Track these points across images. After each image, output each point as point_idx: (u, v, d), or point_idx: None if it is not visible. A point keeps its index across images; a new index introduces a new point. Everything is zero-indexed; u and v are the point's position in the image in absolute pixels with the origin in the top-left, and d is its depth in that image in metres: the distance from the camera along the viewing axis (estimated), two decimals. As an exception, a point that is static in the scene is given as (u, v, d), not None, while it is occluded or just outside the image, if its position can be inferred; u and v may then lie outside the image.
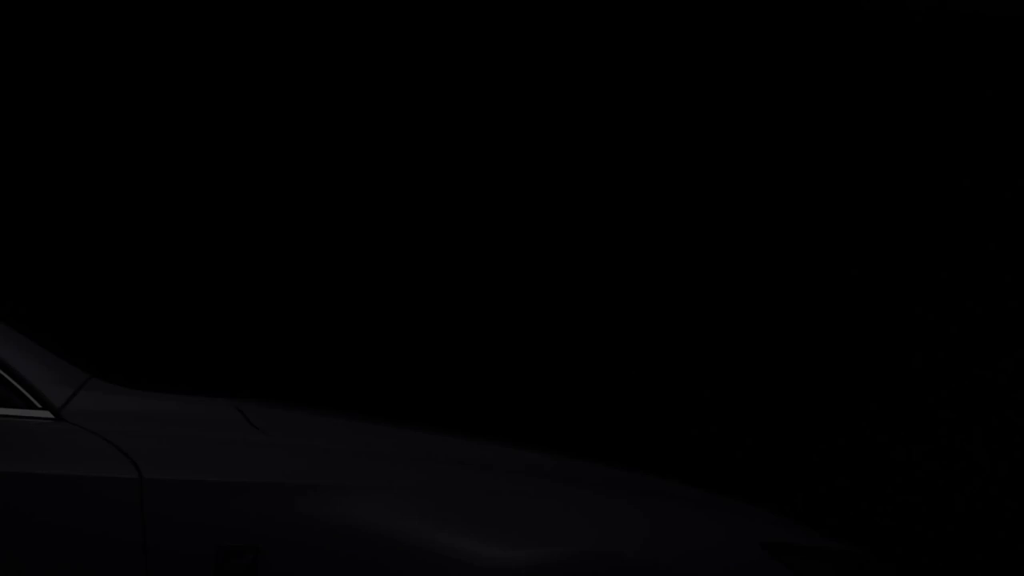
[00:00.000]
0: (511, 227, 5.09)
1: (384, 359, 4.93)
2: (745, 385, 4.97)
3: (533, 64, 5.14)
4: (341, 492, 2.28)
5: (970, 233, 5.00)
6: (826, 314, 5.02)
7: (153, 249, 4.96)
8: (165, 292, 4.92)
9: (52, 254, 4.86)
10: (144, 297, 4.89)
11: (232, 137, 5.06)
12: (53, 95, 5.04)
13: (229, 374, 4.70)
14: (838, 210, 5.06)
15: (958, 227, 5.01)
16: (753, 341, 5.01)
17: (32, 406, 2.33)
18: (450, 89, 5.13)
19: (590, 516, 2.34)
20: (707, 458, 4.73)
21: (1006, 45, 5.00)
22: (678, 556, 2.32)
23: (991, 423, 4.91)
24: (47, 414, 2.33)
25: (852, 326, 5.01)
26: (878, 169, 5.08)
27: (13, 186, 4.96)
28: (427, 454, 2.42)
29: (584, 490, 2.39)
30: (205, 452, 2.31)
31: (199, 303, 4.93)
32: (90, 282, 4.87)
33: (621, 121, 5.14)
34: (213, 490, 2.26)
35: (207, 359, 4.80)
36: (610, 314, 5.06)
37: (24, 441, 2.28)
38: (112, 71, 5.06)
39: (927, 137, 5.04)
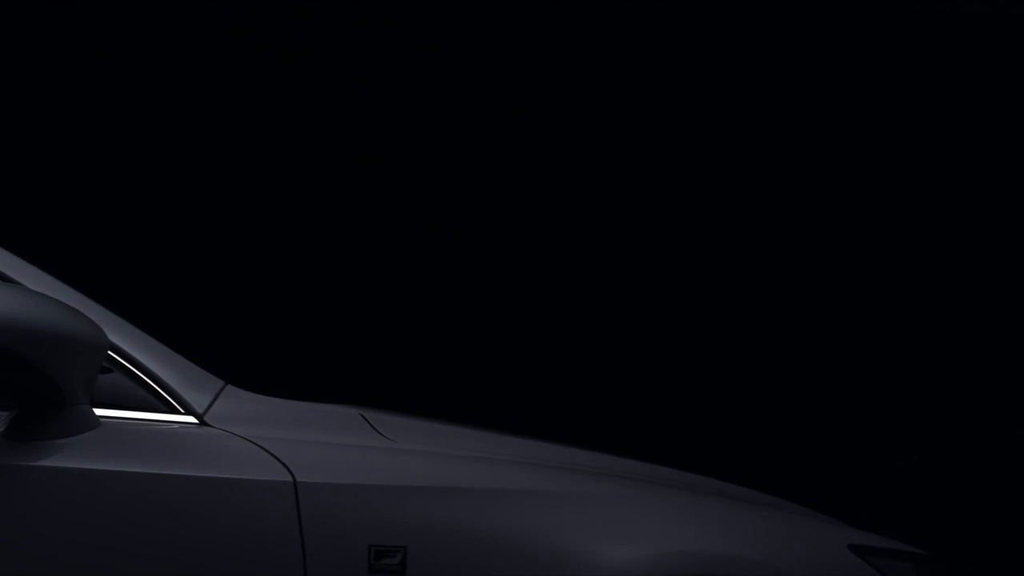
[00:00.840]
0: (525, 224, 5.13)
1: (402, 357, 4.99)
2: (756, 384, 5.04)
3: (533, 63, 5.19)
4: (478, 496, 2.44)
5: (985, 230, 5.08)
6: (848, 312, 5.08)
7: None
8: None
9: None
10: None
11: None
12: (178, 103, 5.07)
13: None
14: (850, 209, 5.11)
15: (972, 224, 5.09)
16: (770, 338, 5.09)
17: (177, 412, 2.44)
18: (457, 87, 5.17)
19: (704, 520, 2.53)
20: (719, 456, 4.73)
21: (1012, 43, 5.08)
22: (782, 557, 2.53)
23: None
24: (191, 420, 2.44)
25: (880, 325, 5.06)
26: (895, 164, 5.13)
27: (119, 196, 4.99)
28: (541, 459, 2.59)
29: (692, 495, 2.59)
30: (346, 456, 2.45)
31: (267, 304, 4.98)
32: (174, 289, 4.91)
33: (632, 118, 5.17)
34: (362, 492, 2.40)
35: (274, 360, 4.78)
36: (628, 311, 5.11)
37: (176, 445, 2.39)
38: (242, 75, 5.08)
39: (942, 132, 5.10)
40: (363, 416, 2.58)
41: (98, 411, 2.37)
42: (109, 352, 2.39)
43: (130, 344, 2.46)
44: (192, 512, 2.33)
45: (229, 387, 2.52)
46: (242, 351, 4.61)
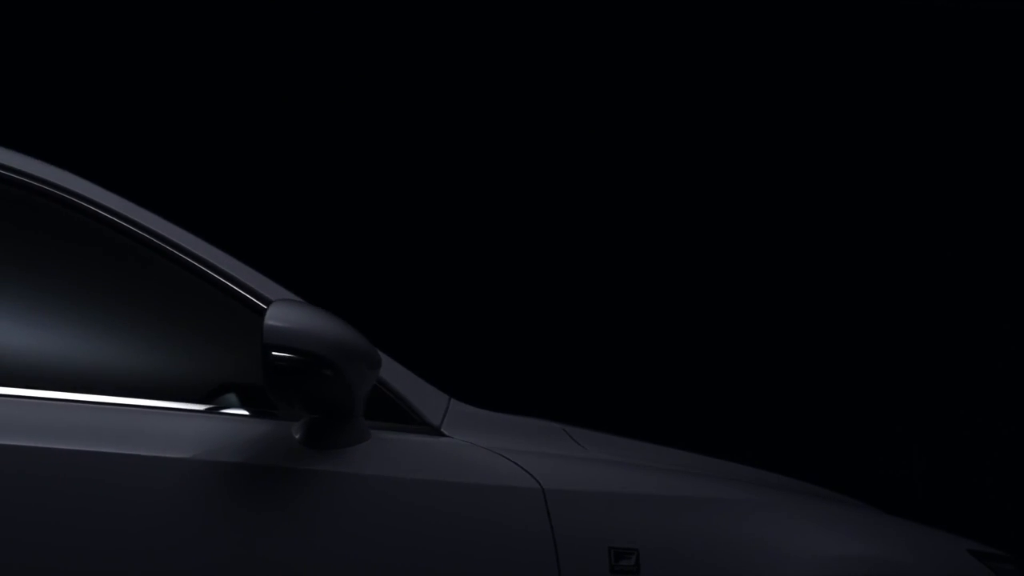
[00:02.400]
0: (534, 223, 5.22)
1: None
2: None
3: (551, 61, 5.30)
4: (694, 504, 2.70)
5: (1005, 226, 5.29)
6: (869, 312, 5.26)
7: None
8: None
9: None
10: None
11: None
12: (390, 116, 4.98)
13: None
14: (868, 211, 5.27)
15: (993, 220, 5.29)
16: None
17: (415, 423, 2.61)
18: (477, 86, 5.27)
19: (849, 525, 2.85)
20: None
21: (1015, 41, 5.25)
22: (919, 559, 2.87)
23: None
24: (429, 431, 2.62)
25: (905, 326, 5.25)
26: (907, 161, 5.28)
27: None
28: (710, 470, 2.87)
29: (828, 503, 2.91)
30: (577, 467, 2.67)
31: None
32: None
33: (648, 115, 5.29)
34: (600, 499, 2.63)
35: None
36: (643, 312, 5.25)
37: (435, 456, 2.56)
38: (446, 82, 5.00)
39: (951, 130, 5.27)
40: (564, 430, 2.80)
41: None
42: None
43: None
44: (462, 516, 2.52)
45: (452, 400, 2.70)
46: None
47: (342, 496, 2.43)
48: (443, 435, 2.62)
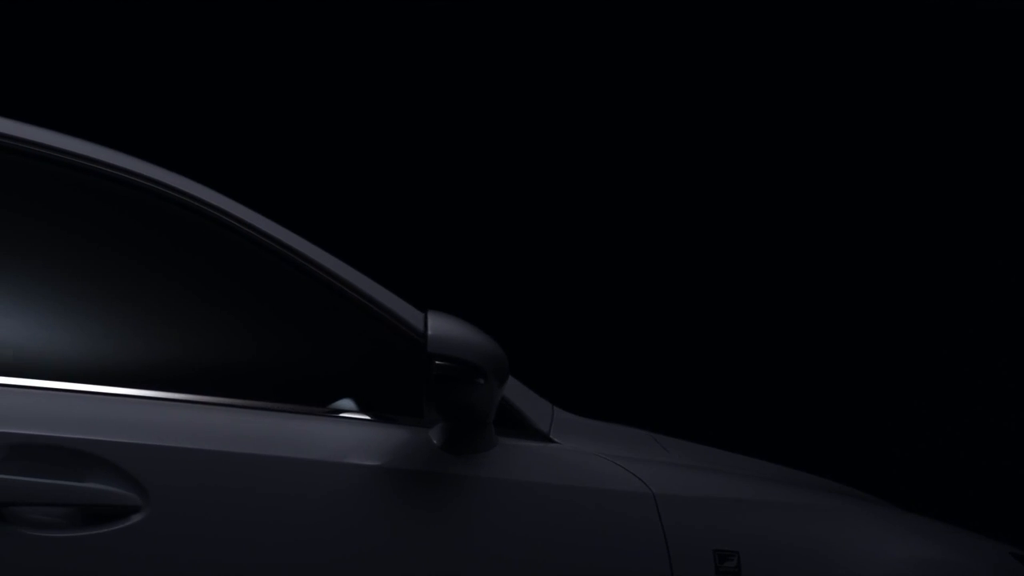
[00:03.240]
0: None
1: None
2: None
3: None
4: (785, 509, 2.83)
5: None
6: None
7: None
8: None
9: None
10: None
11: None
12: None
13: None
14: (875, 208, 5.30)
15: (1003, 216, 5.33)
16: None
17: (526, 430, 2.70)
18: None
19: (908, 528, 3.01)
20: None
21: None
22: (973, 561, 3.04)
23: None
24: (540, 438, 2.71)
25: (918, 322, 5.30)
26: (922, 156, 5.30)
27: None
28: (784, 476, 3.01)
29: (884, 507, 3.06)
30: (679, 473, 2.78)
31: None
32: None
33: (663, 115, 5.30)
34: (704, 504, 2.74)
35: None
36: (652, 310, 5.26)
37: (552, 461, 2.65)
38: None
39: (959, 126, 5.30)
40: (652, 436, 2.91)
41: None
42: None
43: None
44: (586, 519, 2.61)
45: (556, 409, 2.79)
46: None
47: (484, 499, 2.50)
48: (552, 441, 2.71)
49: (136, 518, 2.17)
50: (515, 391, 2.73)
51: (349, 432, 2.46)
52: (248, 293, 2.58)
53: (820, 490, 3.03)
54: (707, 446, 3.11)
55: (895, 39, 5.52)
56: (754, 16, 5.55)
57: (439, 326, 2.41)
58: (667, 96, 5.56)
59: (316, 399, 2.53)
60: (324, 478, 2.36)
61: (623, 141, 5.59)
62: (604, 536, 2.62)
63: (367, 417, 2.53)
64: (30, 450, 2.13)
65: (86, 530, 2.13)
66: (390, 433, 2.50)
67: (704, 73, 5.56)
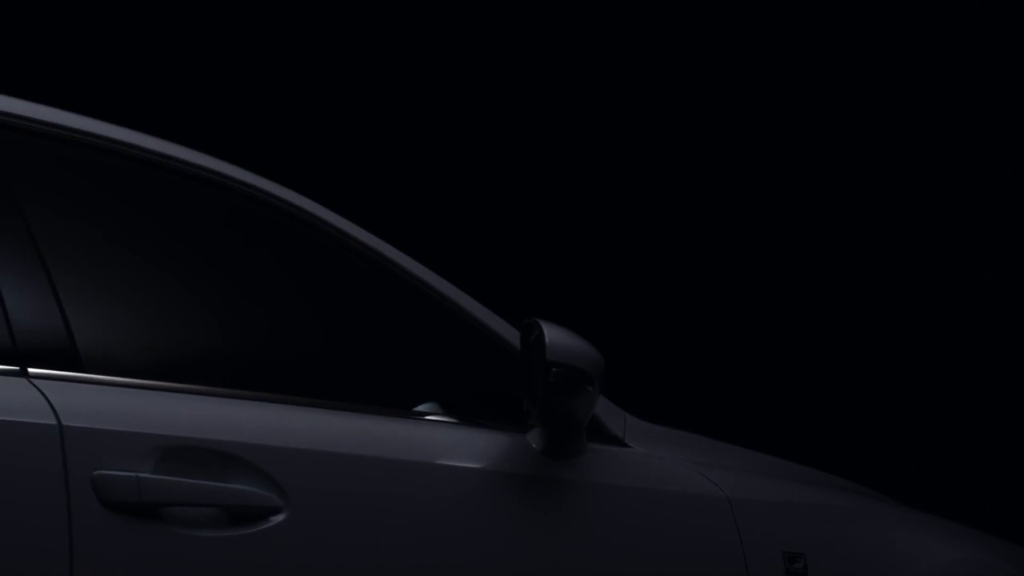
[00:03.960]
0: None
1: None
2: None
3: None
4: (839, 512, 2.94)
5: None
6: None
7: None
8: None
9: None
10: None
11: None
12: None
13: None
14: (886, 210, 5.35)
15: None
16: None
17: (603, 435, 2.77)
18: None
19: (940, 531, 3.14)
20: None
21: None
22: (1002, 560, 3.18)
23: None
24: (616, 443, 2.78)
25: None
26: (943, 150, 5.32)
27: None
28: (828, 481, 3.12)
29: (915, 512, 3.19)
30: (744, 477, 2.88)
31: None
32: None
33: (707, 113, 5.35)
34: (772, 508, 2.84)
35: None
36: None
37: (633, 465, 2.72)
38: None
39: (971, 122, 5.34)
40: (711, 442, 3.00)
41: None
42: None
43: None
44: (671, 521, 2.69)
45: (628, 415, 2.87)
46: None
47: (586, 502, 2.57)
48: (627, 446, 2.78)
49: (278, 519, 2.20)
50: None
51: (455, 436, 2.51)
52: (342, 300, 2.62)
53: (858, 493, 3.14)
54: (742, 447, 3.20)
55: (896, 36, 5.58)
56: (757, 13, 5.62)
57: (555, 335, 2.47)
58: (682, 93, 5.61)
59: (405, 403, 2.58)
60: (445, 481, 2.41)
61: (642, 141, 5.63)
62: (687, 539, 2.70)
63: (453, 420, 2.57)
64: (181, 452, 2.15)
65: (233, 530, 2.15)
66: (492, 438, 2.54)
67: (723, 66, 5.59)
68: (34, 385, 2.09)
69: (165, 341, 2.34)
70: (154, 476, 2.11)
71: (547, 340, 2.45)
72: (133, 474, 2.09)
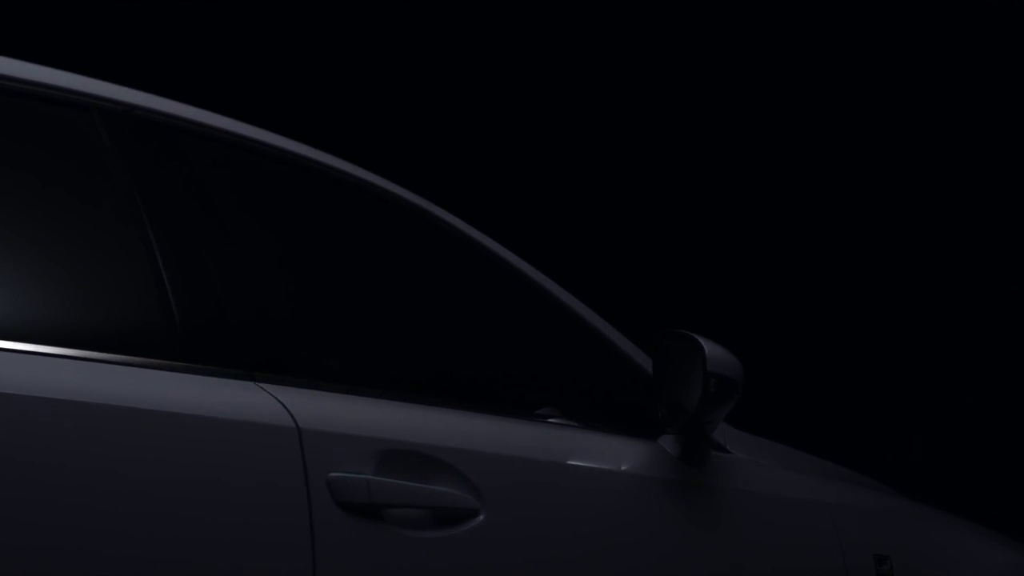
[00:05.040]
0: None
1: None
2: None
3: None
4: (915, 515, 3.12)
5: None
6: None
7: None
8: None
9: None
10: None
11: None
12: None
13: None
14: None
15: None
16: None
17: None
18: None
19: (980, 533, 3.33)
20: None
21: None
22: None
23: None
24: (720, 449, 2.91)
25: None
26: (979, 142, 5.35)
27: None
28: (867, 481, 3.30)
29: (950, 515, 3.37)
30: (832, 484, 3.03)
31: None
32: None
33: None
34: (865, 514, 3.00)
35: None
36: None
37: (747, 471, 2.85)
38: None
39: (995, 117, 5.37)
40: (793, 450, 3.15)
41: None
42: None
43: None
44: (786, 525, 2.83)
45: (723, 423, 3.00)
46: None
47: (724, 505, 2.70)
48: (729, 452, 2.91)
49: (477, 520, 2.27)
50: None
51: (604, 442, 2.59)
52: (477, 307, 2.71)
53: (894, 494, 3.32)
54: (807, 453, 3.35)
55: (899, 32, 5.66)
56: (766, 10, 5.70)
57: (712, 348, 2.59)
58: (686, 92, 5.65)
59: (529, 407, 2.67)
60: (611, 484, 2.51)
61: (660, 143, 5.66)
62: (800, 540, 2.84)
63: (573, 424, 2.66)
64: (396, 455, 2.22)
65: (440, 531, 2.22)
66: (631, 445, 2.64)
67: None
68: (264, 389, 2.14)
69: (355, 349, 2.41)
70: (380, 478, 2.17)
71: (707, 352, 2.57)
72: (363, 476, 2.14)
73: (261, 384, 2.14)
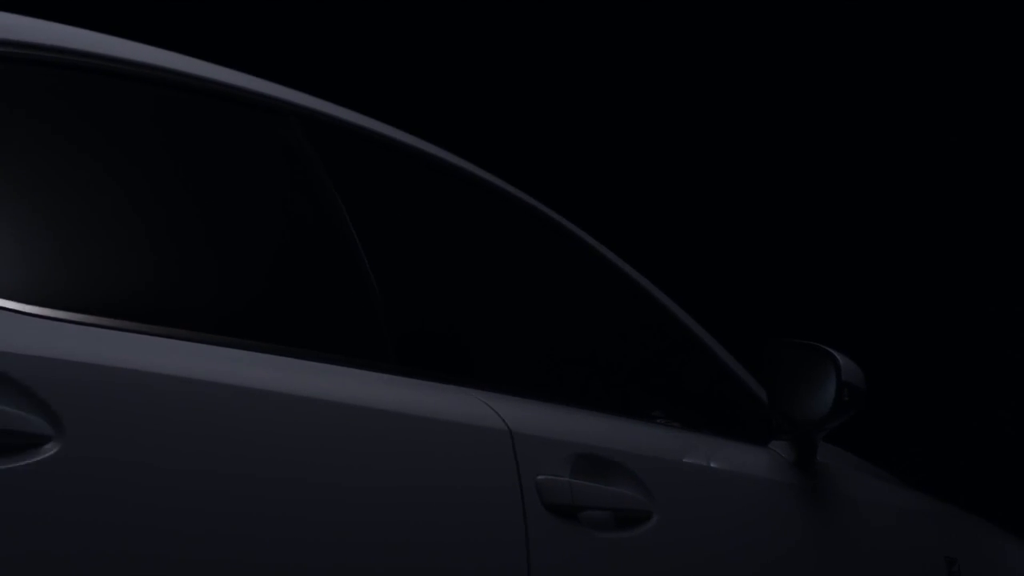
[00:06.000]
0: None
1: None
2: None
3: None
4: (962, 518, 3.28)
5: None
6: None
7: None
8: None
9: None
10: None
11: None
12: None
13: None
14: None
15: None
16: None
17: None
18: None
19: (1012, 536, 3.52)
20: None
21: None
22: None
23: None
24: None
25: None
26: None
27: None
28: None
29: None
30: (905, 490, 3.17)
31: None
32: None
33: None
34: (933, 517, 3.15)
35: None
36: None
37: (842, 477, 2.98)
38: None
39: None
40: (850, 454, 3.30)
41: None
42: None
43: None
44: (879, 528, 2.96)
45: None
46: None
47: (840, 509, 2.83)
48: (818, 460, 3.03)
49: (651, 522, 2.36)
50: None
51: (730, 449, 2.70)
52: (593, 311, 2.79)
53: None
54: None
55: (904, 27, 5.74)
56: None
57: (843, 359, 2.71)
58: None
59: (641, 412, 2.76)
60: (756, 488, 2.62)
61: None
62: (897, 544, 2.99)
63: (678, 425, 2.76)
64: (584, 459, 2.29)
65: (622, 532, 2.31)
66: (756, 451, 2.75)
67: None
68: (474, 395, 2.20)
69: (506, 355, 2.48)
70: (580, 481, 2.24)
71: (841, 363, 2.69)
72: (566, 479, 2.22)
73: (468, 389, 2.20)
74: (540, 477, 2.18)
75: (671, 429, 2.59)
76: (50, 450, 1.57)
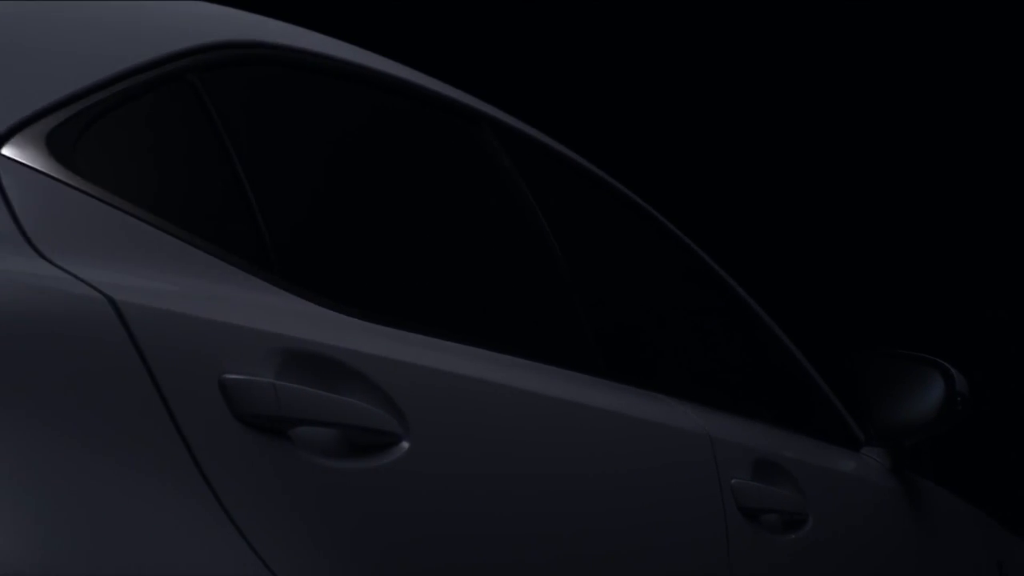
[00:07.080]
0: None
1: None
2: None
3: None
4: (990, 523, 3.45)
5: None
6: None
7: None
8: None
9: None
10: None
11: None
12: None
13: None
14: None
15: None
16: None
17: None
18: None
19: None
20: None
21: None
22: None
23: None
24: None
25: None
26: None
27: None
28: None
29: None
30: (946, 495, 3.33)
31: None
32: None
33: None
34: (986, 522, 3.31)
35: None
36: None
37: (918, 482, 3.11)
38: None
39: None
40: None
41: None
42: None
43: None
44: (960, 526, 3.10)
45: None
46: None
47: (931, 512, 2.97)
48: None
49: (808, 525, 2.46)
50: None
51: (828, 451, 2.80)
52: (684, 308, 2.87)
53: None
54: None
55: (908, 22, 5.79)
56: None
57: (955, 370, 2.84)
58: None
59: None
60: (873, 493, 2.74)
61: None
62: (965, 543, 3.13)
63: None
64: (759, 464, 2.39)
65: (787, 534, 2.40)
66: (855, 456, 2.87)
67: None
68: (674, 401, 2.27)
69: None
70: (762, 485, 2.34)
71: (956, 375, 2.82)
72: (756, 484, 2.31)
73: (663, 396, 2.27)
74: (734, 481, 2.26)
75: (805, 436, 2.69)
76: (402, 448, 1.60)
